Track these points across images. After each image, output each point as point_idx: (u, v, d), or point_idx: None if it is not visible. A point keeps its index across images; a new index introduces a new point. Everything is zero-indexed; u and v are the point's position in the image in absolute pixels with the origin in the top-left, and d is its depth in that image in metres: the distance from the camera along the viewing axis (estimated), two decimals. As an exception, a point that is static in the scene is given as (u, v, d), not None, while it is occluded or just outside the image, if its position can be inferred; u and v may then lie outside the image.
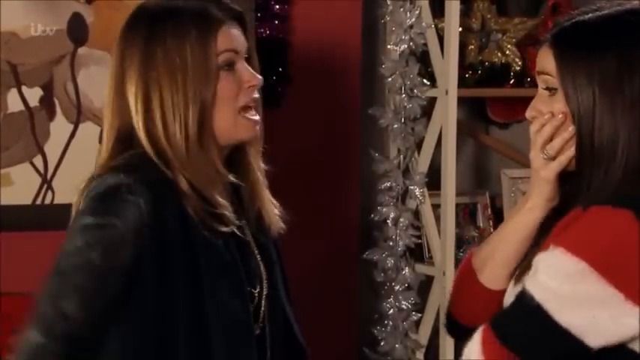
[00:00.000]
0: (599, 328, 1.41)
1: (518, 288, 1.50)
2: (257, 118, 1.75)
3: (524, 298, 1.45)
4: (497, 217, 3.14)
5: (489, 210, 3.14)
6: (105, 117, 1.81)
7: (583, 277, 1.40)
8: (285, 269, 1.86)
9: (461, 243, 3.00)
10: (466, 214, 3.12)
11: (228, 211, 1.72)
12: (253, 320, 1.75)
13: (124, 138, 1.76)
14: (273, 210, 1.81)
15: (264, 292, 1.78)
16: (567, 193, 1.53)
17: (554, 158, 1.53)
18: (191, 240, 1.70)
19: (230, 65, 1.73)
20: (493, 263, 1.59)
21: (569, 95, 1.49)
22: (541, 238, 1.53)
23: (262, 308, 1.77)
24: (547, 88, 1.54)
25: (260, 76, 1.76)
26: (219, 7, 1.75)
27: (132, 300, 1.68)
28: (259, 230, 1.80)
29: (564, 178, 1.55)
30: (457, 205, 2.97)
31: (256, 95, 1.75)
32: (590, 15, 1.51)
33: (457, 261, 2.91)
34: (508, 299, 1.55)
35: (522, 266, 1.55)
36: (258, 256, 1.80)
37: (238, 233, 1.74)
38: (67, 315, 1.69)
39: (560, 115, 1.51)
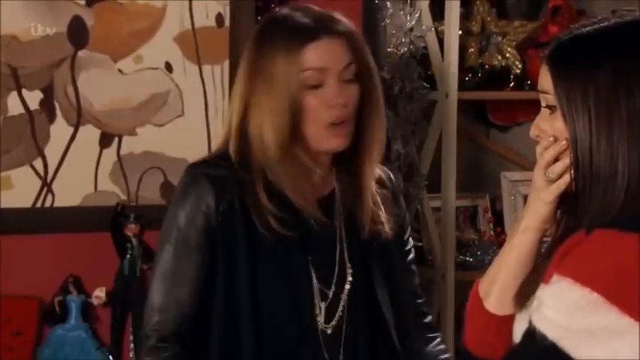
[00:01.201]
0: (619, 358, 1.34)
1: (525, 314, 1.46)
2: (344, 132, 1.82)
3: (534, 337, 1.38)
4: (498, 220, 3.14)
5: (489, 213, 3.14)
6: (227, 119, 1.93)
7: (596, 309, 1.34)
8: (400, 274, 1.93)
9: (461, 246, 3.00)
10: (466, 216, 3.12)
11: (306, 209, 1.82)
12: (325, 320, 1.82)
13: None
14: (377, 217, 1.88)
15: (345, 293, 1.84)
16: (567, 214, 1.48)
17: (555, 181, 1.49)
18: (254, 241, 1.81)
19: (317, 82, 1.81)
20: (496, 288, 1.55)
21: (565, 114, 1.44)
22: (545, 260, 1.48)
23: (340, 309, 1.83)
24: (547, 106, 1.49)
25: (344, 96, 1.82)
26: (319, 21, 1.83)
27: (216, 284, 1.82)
28: (358, 233, 1.87)
29: (564, 198, 1.50)
30: (457, 207, 2.97)
31: (341, 114, 1.82)
32: (588, 28, 1.47)
33: (457, 264, 2.91)
34: (517, 327, 1.51)
35: (526, 290, 1.51)
36: (344, 256, 1.85)
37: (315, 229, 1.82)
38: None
39: (563, 142, 1.46)
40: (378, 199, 1.90)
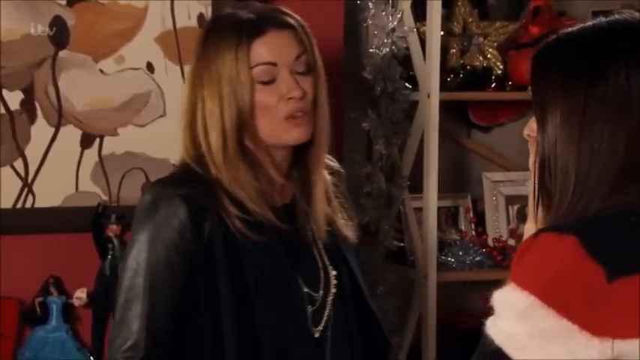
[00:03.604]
0: None
1: None
2: (304, 122, 1.78)
3: (485, 341, 1.39)
4: (479, 221, 3.15)
5: (471, 213, 3.15)
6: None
7: (534, 312, 1.33)
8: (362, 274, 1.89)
9: (443, 246, 3.00)
10: (448, 217, 3.13)
11: (265, 218, 1.76)
12: (313, 323, 1.79)
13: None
14: (335, 222, 1.85)
15: (330, 297, 1.81)
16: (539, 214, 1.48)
17: None
18: (235, 252, 1.74)
19: (270, 77, 1.76)
20: None
21: (537, 114, 1.45)
22: None
23: (326, 312, 1.81)
24: None
25: (300, 88, 1.78)
26: (265, 15, 1.78)
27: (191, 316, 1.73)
28: (327, 237, 1.84)
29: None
30: (439, 208, 2.97)
31: (299, 106, 1.78)
32: (572, 28, 1.46)
33: (439, 264, 2.91)
34: None
35: None
36: (325, 262, 1.83)
37: (285, 233, 1.78)
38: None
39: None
40: (336, 203, 1.87)
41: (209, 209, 1.74)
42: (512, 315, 1.36)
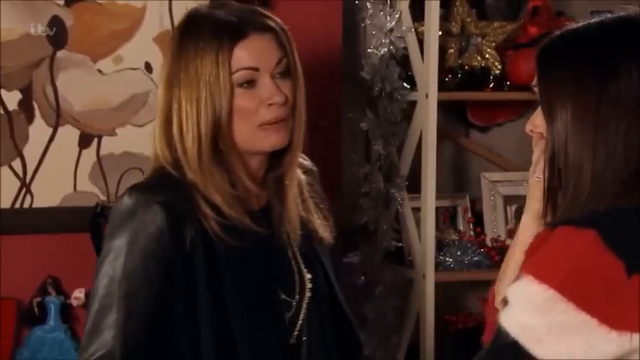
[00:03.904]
0: (576, 357, 1.35)
1: None
2: (278, 131, 1.74)
3: (500, 334, 1.40)
4: (478, 221, 3.15)
5: (469, 213, 3.15)
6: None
7: (553, 306, 1.35)
8: (338, 277, 1.87)
9: (441, 246, 3.00)
10: (446, 217, 3.13)
11: (242, 222, 1.72)
12: (289, 329, 1.76)
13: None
14: (310, 223, 1.82)
15: (305, 301, 1.78)
16: (552, 211, 1.49)
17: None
18: (213, 258, 1.70)
19: (249, 82, 1.72)
20: (503, 285, 1.56)
21: (545, 110, 1.46)
22: None
23: (301, 316, 1.77)
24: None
25: (282, 94, 1.74)
26: (246, 18, 1.73)
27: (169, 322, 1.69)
28: (302, 240, 1.80)
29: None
30: (437, 208, 2.97)
31: (280, 113, 1.74)
32: (578, 25, 1.48)
33: (437, 264, 2.92)
34: None
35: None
36: (300, 265, 1.80)
37: (262, 237, 1.75)
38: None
39: (543, 141, 1.48)
40: (311, 204, 1.84)
41: (188, 215, 1.71)
42: (530, 308, 1.36)
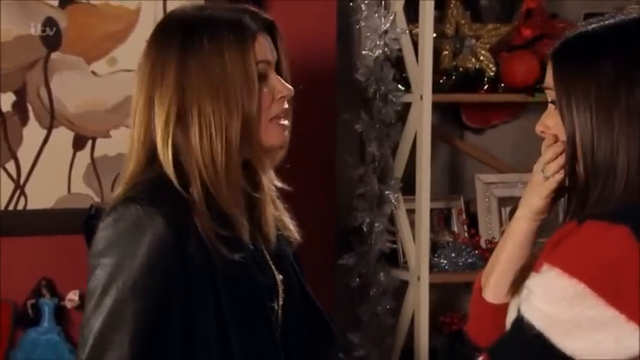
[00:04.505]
0: (603, 352, 1.36)
1: (516, 302, 1.47)
2: (286, 123, 1.72)
3: (522, 325, 1.40)
4: (472, 222, 3.15)
5: (464, 215, 3.15)
6: (133, 130, 1.72)
7: (583, 300, 1.35)
8: (304, 276, 1.84)
9: (435, 248, 3.00)
10: (441, 219, 3.13)
11: (245, 233, 1.66)
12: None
13: (150, 155, 1.69)
14: (283, 223, 1.78)
15: (280, 302, 1.75)
16: (572, 208, 1.50)
17: (549, 178, 1.52)
18: (212, 272, 1.65)
19: (264, 76, 1.70)
20: (493, 277, 1.57)
21: (564, 111, 1.47)
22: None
23: (279, 319, 1.74)
24: (552, 102, 1.52)
25: (290, 87, 1.73)
26: (252, 16, 1.71)
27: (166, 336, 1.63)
28: (276, 242, 1.77)
29: (561, 193, 1.53)
30: (432, 210, 2.97)
31: (286, 106, 1.73)
32: (593, 26, 1.48)
33: (431, 266, 2.92)
34: (509, 315, 1.53)
35: (518, 279, 1.53)
36: (271, 267, 1.76)
37: (251, 247, 1.70)
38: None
39: (560, 143, 1.50)
40: (279, 204, 1.79)
41: (188, 229, 1.63)
42: (559, 301, 1.37)
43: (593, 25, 1.49)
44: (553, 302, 1.37)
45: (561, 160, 1.50)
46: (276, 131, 1.72)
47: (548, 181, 1.51)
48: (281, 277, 1.77)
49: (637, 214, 1.39)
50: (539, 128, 1.54)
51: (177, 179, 1.65)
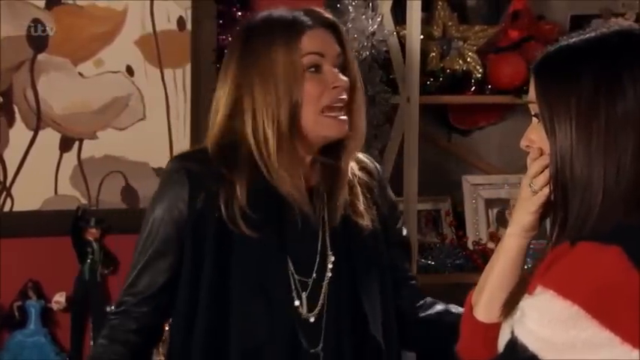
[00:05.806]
0: None
1: (510, 323, 1.46)
2: (342, 117, 1.85)
3: (516, 347, 1.39)
4: (460, 224, 3.16)
5: (451, 216, 3.15)
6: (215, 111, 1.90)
7: (577, 322, 1.34)
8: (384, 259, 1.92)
9: (423, 249, 3.01)
10: (428, 220, 3.14)
11: (297, 205, 1.83)
12: (308, 309, 1.84)
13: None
14: (355, 208, 1.89)
15: (326, 281, 1.86)
16: (556, 225, 1.48)
17: (537, 192, 1.51)
18: (227, 238, 1.83)
19: (316, 67, 1.84)
20: (484, 296, 1.56)
21: (547, 125, 1.46)
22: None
23: (322, 297, 1.85)
24: (535, 115, 1.50)
25: (345, 78, 1.86)
26: (309, 14, 1.88)
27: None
28: (340, 220, 1.87)
29: (550, 209, 1.51)
30: (419, 211, 2.98)
31: (342, 96, 1.86)
32: (574, 39, 1.48)
33: (419, 267, 2.92)
34: (502, 336, 1.51)
35: (513, 299, 1.51)
36: (326, 247, 1.87)
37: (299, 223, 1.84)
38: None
39: (546, 156, 1.48)
40: (359, 190, 1.92)
41: (213, 193, 1.82)
42: (553, 323, 1.36)
43: (574, 39, 1.48)
44: (548, 325, 1.36)
45: (548, 173, 1.48)
46: (327, 122, 1.84)
47: (536, 196, 1.50)
48: (333, 258, 1.87)
49: (628, 234, 1.39)
50: (523, 143, 1.53)
51: (220, 155, 1.84)
